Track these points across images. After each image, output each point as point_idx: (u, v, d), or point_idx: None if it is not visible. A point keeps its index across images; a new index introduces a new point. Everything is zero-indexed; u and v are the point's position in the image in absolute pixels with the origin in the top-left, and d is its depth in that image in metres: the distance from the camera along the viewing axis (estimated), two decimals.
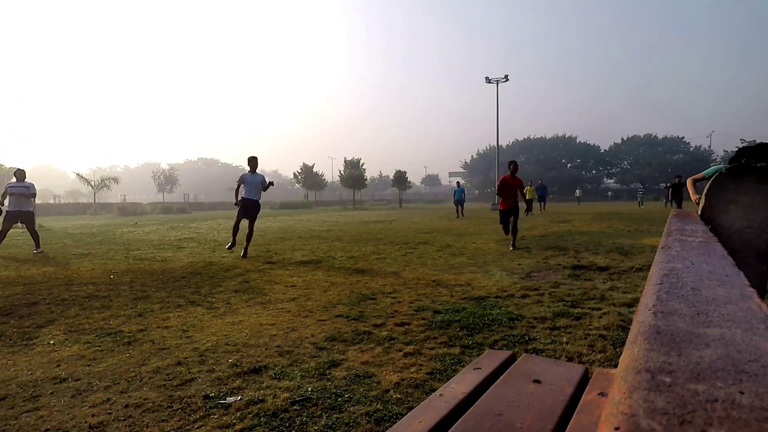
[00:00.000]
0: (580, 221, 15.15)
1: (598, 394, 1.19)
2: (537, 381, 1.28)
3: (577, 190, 46.18)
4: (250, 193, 7.86)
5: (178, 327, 3.58)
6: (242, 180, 7.89)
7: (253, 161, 7.90)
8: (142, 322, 3.73)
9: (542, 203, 23.90)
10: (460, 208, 20.40)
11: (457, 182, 23.34)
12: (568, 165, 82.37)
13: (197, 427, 2.02)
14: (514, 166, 8.32)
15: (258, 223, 17.41)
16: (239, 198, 7.92)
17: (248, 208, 7.84)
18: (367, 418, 2.05)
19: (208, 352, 2.97)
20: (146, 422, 2.07)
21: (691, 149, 73.73)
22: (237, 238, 7.92)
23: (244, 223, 7.92)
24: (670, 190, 19.48)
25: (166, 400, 2.29)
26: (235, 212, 8.53)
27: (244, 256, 7.61)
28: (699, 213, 1.42)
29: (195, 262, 7.11)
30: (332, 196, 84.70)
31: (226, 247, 7.93)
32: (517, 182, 8.29)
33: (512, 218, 8.15)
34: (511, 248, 7.76)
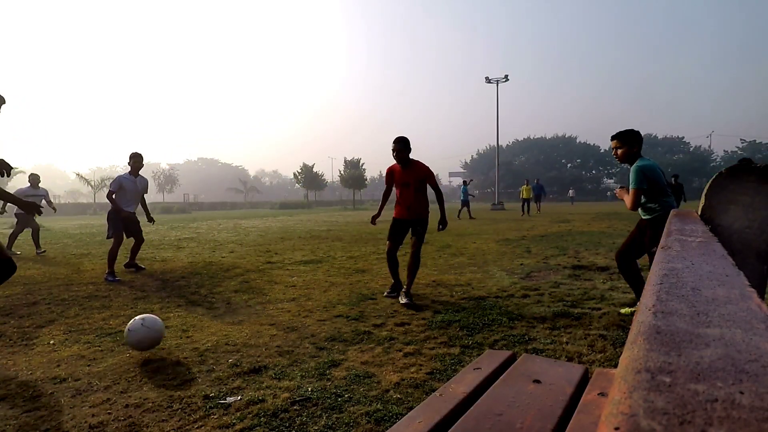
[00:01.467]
0: (580, 221, 15.16)
1: (598, 394, 1.19)
2: (537, 381, 1.28)
3: (570, 190, 44.82)
4: (130, 203, 5.97)
5: (178, 327, 3.58)
6: (119, 185, 5.84)
7: (137, 159, 5.96)
8: None
9: (537, 203, 23.26)
10: (465, 208, 19.28)
11: (464, 181, 21.42)
12: (568, 165, 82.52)
13: (197, 427, 2.02)
14: (397, 145, 4.40)
15: (258, 223, 17.45)
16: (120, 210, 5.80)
17: (130, 223, 6.01)
18: (367, 418, 2.05)
19: (208, 352, 2.97)
20: (146, 422, 2.07)
21: (691, 149, 73.76)
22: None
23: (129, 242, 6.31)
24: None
25: (166, 400, 2.29)
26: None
27: (130, 266, 6.32)
28: (699, 213, 1.42)
29: (195, 262, 7.11)
30: (332, 196, 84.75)
31: (106, 277, 5.61)
32: (420, 172, 4.44)
33: (414, 240, 4.48)
34: (403, 300, 4.14)
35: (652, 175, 3.43)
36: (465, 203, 19.55)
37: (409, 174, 4.44)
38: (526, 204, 20.55)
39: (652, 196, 3.49)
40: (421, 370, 2.60)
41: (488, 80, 38.36)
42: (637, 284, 3.75)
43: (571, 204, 39.98)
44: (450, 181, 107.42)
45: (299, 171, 57.54)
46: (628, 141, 3.56)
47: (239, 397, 2.29)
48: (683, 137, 77.35)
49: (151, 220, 6.68)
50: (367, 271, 6.09)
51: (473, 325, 3.42)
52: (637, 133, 3.58)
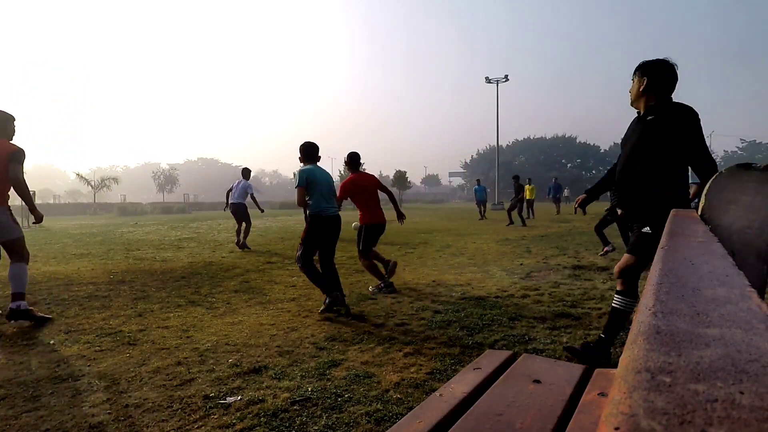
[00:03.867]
0: (580, 221, 15.16)
1: (598, 394, 1.19)
2: (537, 381, 1.28)
3: (565, 190, 44.19)
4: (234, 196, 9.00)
5: (178, 327, 3.59)
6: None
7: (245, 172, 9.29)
8: (142, 322, 3.73)
9: (557, 204, 20.99)
10: (482, 208, 18.31)
11: (477, 180, 20.21)
12: (568, 165, 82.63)
13: (197, 427, 2.02)
14: (350, 158, 4.92)
15: (258, 223, 17.47)
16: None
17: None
18: (367, 418, 2.05)
19: (208, 352, 2.97)
20: (146, 422, 2.07)
21: None
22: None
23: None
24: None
25: (166, 400, 2.29)
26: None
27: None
28: (699, 213, 1.42)
29: (195, 262, 7.11)
30: None
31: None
32: (374, 181, 4.92)
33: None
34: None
35: (312, 177, 4.02)
36: (483, 202, 18.55)
37: (371, 180, 4.94)
38: (529, 206, 19.66)
39: (311, 197, 4.04)
40: (421, 370, 2.60)
41: (488, 80, 38.41)
42: (318, 280, 3.96)
43: (565, 204, 39.29)
44: (450, 181, 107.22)
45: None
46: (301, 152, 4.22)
47: (239, 397, 2.29)
48: None
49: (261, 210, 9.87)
50: (367, 271, 6.09)
51: (473, 325, 3.42)
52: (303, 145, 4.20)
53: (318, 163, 4.24)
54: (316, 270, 4.02)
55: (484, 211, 18.58)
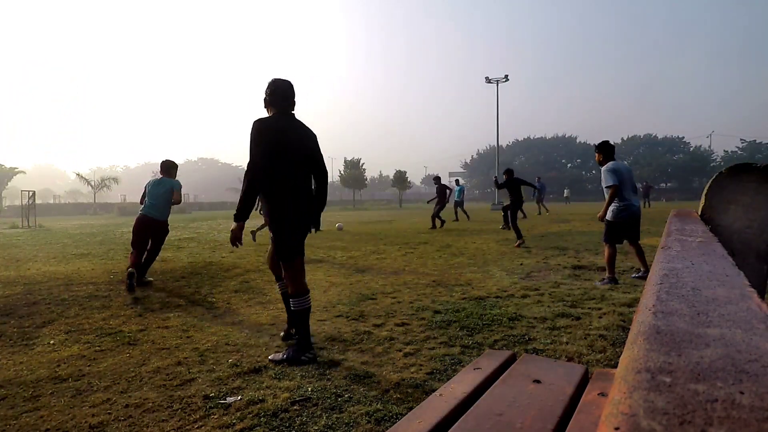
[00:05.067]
0: (580, 221, 15.16)
1: (598, 394, 1.19)
2: (537, 381, 1.28)
3: (565, 190, 44.66)
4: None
5: (178, 327, 3.58)
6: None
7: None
8: (142, 322, 3.73)
9: (540, 204, 20.83)
10: (459, 209, 17.22)
11: (456, 180, 18.67)
12: (568, 165, 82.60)
13: (197, 427, 2.02)
14: None
15: (258, 223, 17.50)
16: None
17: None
18: (367, 418, 2.05)
19: (208, 352, 2.97)
20: (146, 422, 2.07)
21: (691, 149, 73.72)
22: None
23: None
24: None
25: (166, 400, 2.29)
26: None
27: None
28: (699, 213, 1.42)
29: (195, 262, 7.11)
30: (332, 196, 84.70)
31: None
32: None
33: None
34: None
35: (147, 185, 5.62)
36: (459, 204, 17.68)
37: None
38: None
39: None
40: (421, 370, 2.60)
41: (488, 80, 38.35)
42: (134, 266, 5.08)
43: (566, 204, 39.52)
44: (450, 181, 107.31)
45: None
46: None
47: (239, 397, 2.29)
48: (683, 137, 77.19)
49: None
50: (367, 271, 6.09)
51: (473, 325, 3.42)
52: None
53: (173, 176, 5.71)
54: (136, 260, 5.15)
55: (457, 213, 17.71)
